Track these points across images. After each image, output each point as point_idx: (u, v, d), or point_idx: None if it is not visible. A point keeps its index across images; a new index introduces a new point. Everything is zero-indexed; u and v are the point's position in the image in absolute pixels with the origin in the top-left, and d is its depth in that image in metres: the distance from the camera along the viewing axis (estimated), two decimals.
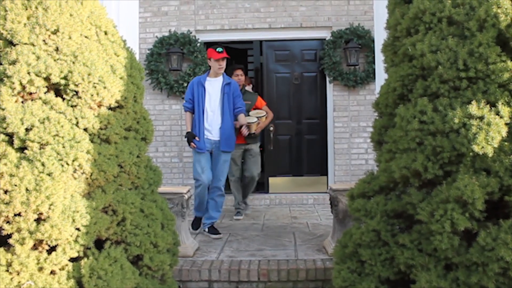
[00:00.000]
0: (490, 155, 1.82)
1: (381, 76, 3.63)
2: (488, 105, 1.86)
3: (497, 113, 1.84)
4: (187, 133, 4.29)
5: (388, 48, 2.36)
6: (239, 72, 5.07)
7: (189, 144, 4.23)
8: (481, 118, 1.84)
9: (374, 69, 5.62)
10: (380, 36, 3.66)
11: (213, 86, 4.28)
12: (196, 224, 4.43)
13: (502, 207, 1.88)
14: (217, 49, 4.21)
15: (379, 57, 3.23)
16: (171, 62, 6.00)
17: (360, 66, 6.03)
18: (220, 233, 4.19)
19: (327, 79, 6.13)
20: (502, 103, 1.85)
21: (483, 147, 1.80)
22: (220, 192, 4.29)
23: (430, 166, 1.93)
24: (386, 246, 2.13)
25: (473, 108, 1.85)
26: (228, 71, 4.73)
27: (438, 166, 1.93)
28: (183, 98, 6.12)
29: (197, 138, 4.17)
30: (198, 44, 6.04)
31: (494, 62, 1.88)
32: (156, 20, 6.20)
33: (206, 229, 4.26)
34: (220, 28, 6.15)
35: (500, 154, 1.81)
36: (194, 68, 5.91)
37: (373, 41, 5.63)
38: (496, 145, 1.81)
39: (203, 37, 6.14)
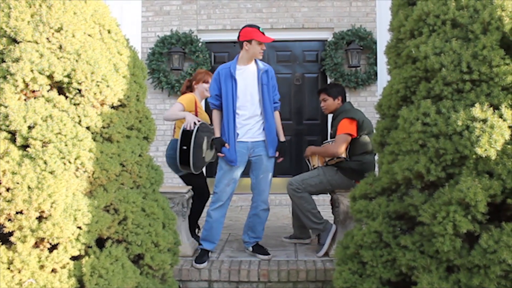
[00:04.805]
0: (493, 157, 1.82)
1: (383, 77, 3.64)
2: (491, 108, 1.86)
3: (500, 116, 1.84)
4: (215, 139, 3.41)
5: (391, 50, 2.36)
6: (323, 96, 3.81)
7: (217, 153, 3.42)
8: (485, 120, 1.84)
9: (375, 71, 5.64)
10: (382, 37, 3.66)
11: (247, 77, 3.37)
12: (201, 257, 3.36)
13: (504, 209, 1.88)
14: (260, 29, 3.32)
15: (382, 59, 3.23)
16: (173, 62, 6.01)
17: (361, 68, 6.04)
18: (269, 253, 3.48)
19: (328, 80, 6.14)
20: (506, 106, 1.85)
21: (486, 149, 1.81)
22: (265, 206, 3.51)
23: (433, 168, 1.93)
24: (387, 247, 2.13)
25: (476, 111, 1.85)
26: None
27: (441, 168, 1.93)
28: None
29: (227, 146, 3.34)
30: (200, 44, 6.05)
31: (497, 65, 1.88)
32: (158, 19, 6.21)
33: (251, 248, 3.56)
34: (222, 28, 6.16)
35: (503, 157, 1.81)
36: (196, 68, 5.91)
37: (374, 42, 5.65)
38: (499, 148, 1.81)
39: (205, 37, 6.16)
